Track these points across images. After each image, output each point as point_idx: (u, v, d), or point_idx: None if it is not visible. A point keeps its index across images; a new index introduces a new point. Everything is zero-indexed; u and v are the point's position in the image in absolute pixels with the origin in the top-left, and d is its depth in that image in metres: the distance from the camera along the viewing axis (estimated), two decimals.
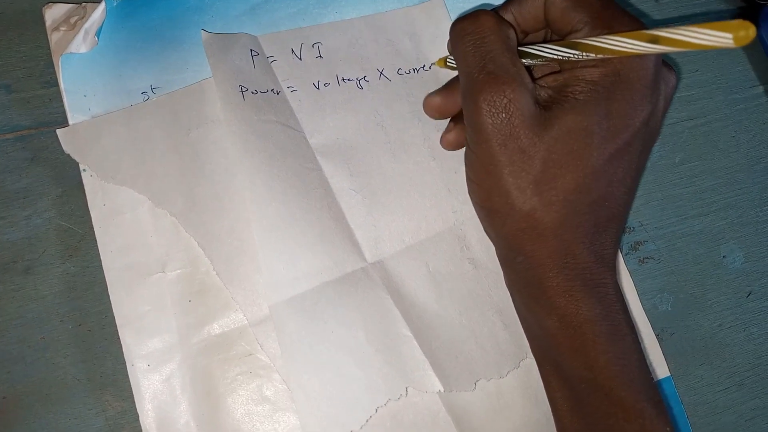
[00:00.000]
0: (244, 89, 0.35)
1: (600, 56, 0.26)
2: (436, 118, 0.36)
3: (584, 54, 0.26)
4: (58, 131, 0.34)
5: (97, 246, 0.33)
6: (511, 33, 0.29)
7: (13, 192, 0.34)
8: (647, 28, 0.26)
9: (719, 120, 0.42)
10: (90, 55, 0.35)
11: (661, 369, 0.37)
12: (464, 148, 0.31)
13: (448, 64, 0.36)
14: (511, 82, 0.27)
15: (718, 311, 0.39)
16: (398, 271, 0.35)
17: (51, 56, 0.35)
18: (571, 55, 0.27)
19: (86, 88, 0.35)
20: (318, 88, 0.37)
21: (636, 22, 0.27)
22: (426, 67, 0.39)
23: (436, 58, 0.39)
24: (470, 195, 0.31)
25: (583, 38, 0.27)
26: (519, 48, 0.29)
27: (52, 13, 0.35)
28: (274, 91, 0.36)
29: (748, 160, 0.42)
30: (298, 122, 0.36)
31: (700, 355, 0.39)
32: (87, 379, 0.33)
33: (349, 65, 0.38)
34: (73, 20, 0.35)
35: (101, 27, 0.36)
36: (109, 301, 0.33)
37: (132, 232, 0.34)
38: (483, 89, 0.27)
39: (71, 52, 0.35)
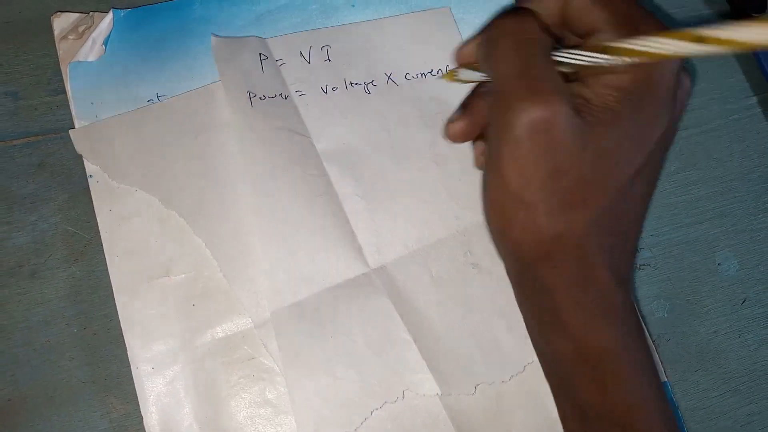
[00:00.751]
0: (252, 95, 0.36)
1: (635, 60, 0.24)
2: (458, 143, 0.33)
3: (617, 58, 0.24)
4: (71, 131, 0.35)
5: (102, 250, 0.34)
6: (550, 41, 0.26)
7: (20, 197, 0.35)
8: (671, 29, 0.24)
9: (714, 130, 0.43)
10: (97, 64, 0.36)
11: None
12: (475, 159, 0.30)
13: (457, 77, 0.33)
14: (556, 92, 0.24)
15: (714, 318, 0.40)
16: (400, 277, 0.36)
17: (58, 64, 0.36)
18: (604, 60, 0.25)
19: (93, 95, 0.36)
20: (326, 92, 0.38)
21: (660, 24, 0.25)
22: (433, 72, 0.39)
23: (443, 64, 0.39)
24: (487, 220, 0.28)
25: (611, 40, 0.25)
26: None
27: (60, 22, 0.36)
28: (282, 95, 0.37)
29: (742, 170, 0.43)
30: (305, 127, 0.37)
31: (695, 361, 0.39)
32: (92, 381, 0.33)
33: (357, 69, 0.38)
34: (81, 29, 0.36)
35: (109, 36, 0.36)
36: (114, 304, 0.33)
37: (137, 237, 0.34)
38: (524, 98, 0.24)
39: (79, 61, 0.35)
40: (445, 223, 0.37)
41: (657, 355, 0.38)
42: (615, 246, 0.26)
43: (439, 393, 0.34)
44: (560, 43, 0.30)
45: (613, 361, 0.26)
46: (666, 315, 0.39)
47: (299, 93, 0.37)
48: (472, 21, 0.41)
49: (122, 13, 0.37)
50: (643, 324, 0.27)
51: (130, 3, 0.38)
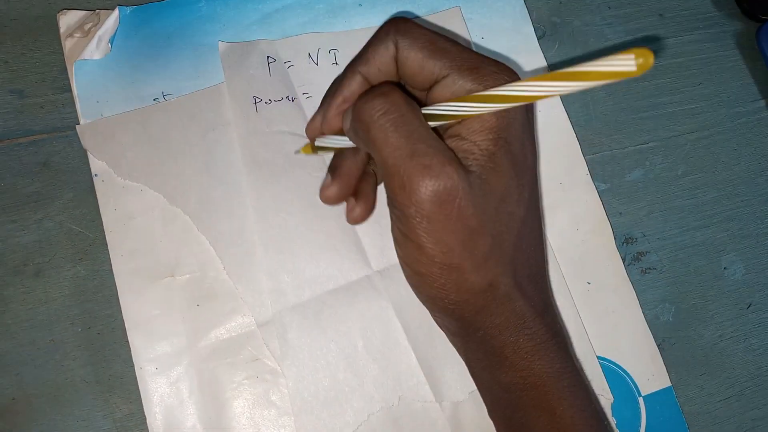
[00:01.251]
0: (257, 100, 0.36)
1: (512, 104, 0.23)
2: (336, 205, 0.32)
3: (496, 105, 0.24)
4: (78, 126, 0.35)
5: (107, 250, 0.34)
6: (418, 108, 0.26)
7: (25, 196, 0.35)
8: (512, 74, 0.26)
9: (721, 133, 0.43)
10: (103, 62, 0.36)
11: (662, 379, 0.37)
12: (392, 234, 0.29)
13: (320, 145, 0.32)
14: (447, 161, 0.24)
15: (719, 322, 0.40)
16: (402, 278, 0.36)
17: (64, 62, 0.36)
18: (483, 108, 0.24)
19: (99, 93, 0.35)
20: None
21: (497, 62, 0.27)
22: None
23: None
24: (416, 289, 0.29)
25: (453, 87, 0.26)
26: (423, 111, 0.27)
27: (67, 20, 0.36)
28: (289, 98, 0.37)
29: (749, 173, 0.43)
30: None
31: (700, 365, 0.39)
32: (95, 381, 0.33)
33: None
34: (87, 27, 0.36)
35: (114, 34, 0.36)
36: (119, 304, 0.33)
37: (142, 236, 0.34)
38: (421, 177, 0.24)
39: (85, 59, 0.35)
40: None
41: (661, 361, 0.38)
42: (532, 274, 0.29)
43: (433, 399, 0.34)
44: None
45: (557, 387, 0.28)
46: (671, 319, 0.39)
47: (306, 95, 0.37)
48: (480, 21, 0.41)
49: (128, 10, 0.37)
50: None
51: (136, 0, 0.38)
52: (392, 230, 0.28)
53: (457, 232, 0.25)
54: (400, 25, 0.27)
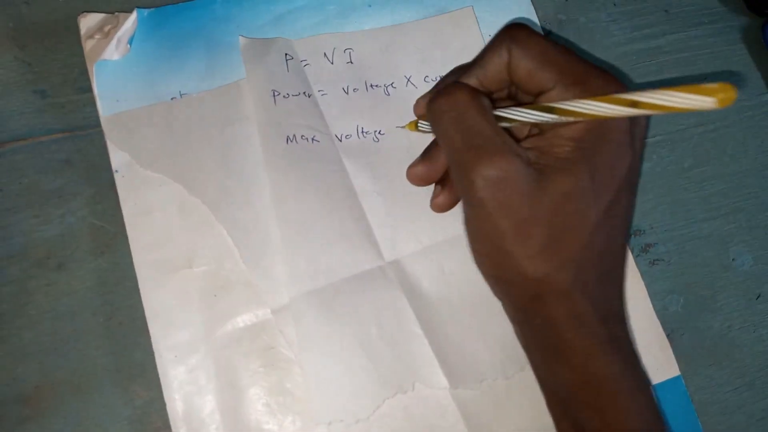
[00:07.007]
0: (276, 93, 0.37)
1: (576, 119, 0.25)
2: (420, 186, 0.35)
3: (562, 118, 0.25)
4: (102, 118, 0.36)
5: (127, 243, 0.35)
6: (487, 101, 0.29)
7: (48, 192, 0.36)
8: (620, 87, 0.26)
9: (728, 126, 0.43)
10: (122, 62, 0.37)
11: (671, 368, 0.38)
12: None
13: (420, 128, 0.36)
14: (501, 153, 0.26)
15: (728, 312, 0.40)
16: (413, 271, 0.36)
17: (85, 63, 0.37)
18: (549, 119, 0.26)
19: (119, 92, 0.37)
20: (347, 93, 0.39)
21: (606, 75, 0.27)
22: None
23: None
24: (478, 266, 0.31)
25: (557, 99, 0.27)
26: (496, 113, 0.29)
27: (87, 22, 0.37)
28: (306, 93, 0.38)
29: (756, 165, 0.43)
30: (326, 125, 0.38)
31: (709, 355, 0.39)
32: (116, 369, 0.34)
33: (377, 72, 0.39)
34: (106, 29, 0.37)
35: (133, 36, 0.37)
36: (139, 295, 0.34)
37: (161, 230, 0.35)
38: (475, 166, 0.26)
39: (105, 59, 0.37)
40: (458, 220, 0.37)
41: (671, 350, 0.38)
42: (603, 279, 0.29)
43: (448, 387, 0.35)
44: (515, 100, 0.32)
45: (613, 389, 0.28)
46: (680, 309, 0.40)
47: (321, 92, 0.38)
48: (488, 19, 0.41)
49: (146, 12, 0.38)
50: (636, 352, 0.31)
51: (153, 2, 0.39)
52: (463, 212, 0.30)
53: (509, 219, 0.26)
54: (514, 32, 0.29)
